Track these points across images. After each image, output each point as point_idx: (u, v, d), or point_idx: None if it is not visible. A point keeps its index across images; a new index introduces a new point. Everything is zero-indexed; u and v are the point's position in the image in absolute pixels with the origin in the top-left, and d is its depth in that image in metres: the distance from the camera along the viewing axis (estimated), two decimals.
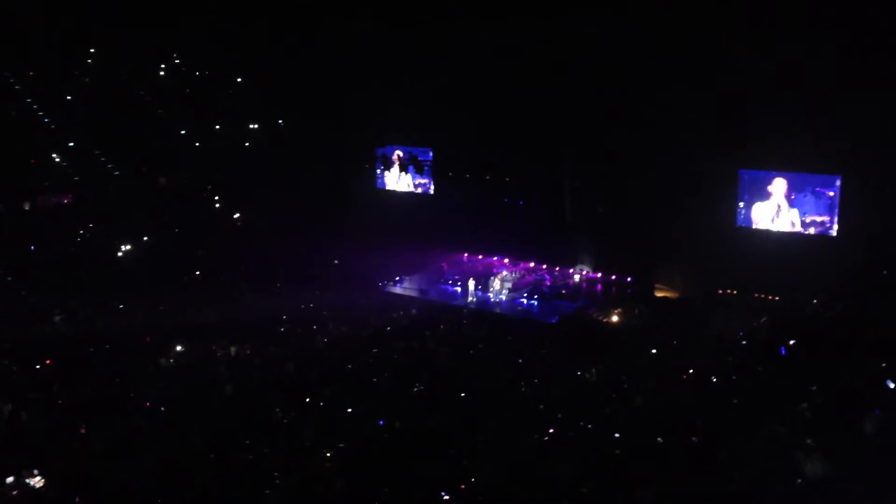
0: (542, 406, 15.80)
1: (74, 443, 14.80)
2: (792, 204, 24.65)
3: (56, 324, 23.01)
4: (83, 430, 15.34)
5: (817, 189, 24.23)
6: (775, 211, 24.91)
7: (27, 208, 29.40)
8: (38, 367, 19.52)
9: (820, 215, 24.24)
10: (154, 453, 13.82)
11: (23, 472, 13.17)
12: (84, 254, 28.02)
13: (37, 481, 13.15)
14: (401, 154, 31.35)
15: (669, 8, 23.59)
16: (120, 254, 28.24)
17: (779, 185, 24.79)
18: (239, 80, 34.37)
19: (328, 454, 13.53)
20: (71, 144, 31.04)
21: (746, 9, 22.58)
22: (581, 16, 24.56)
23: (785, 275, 23.45)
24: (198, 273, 28.44)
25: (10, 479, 13.06)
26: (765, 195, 25.05)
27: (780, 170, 24.71)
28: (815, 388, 14.30)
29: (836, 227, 23.99)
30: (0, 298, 24.27)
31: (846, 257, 21.85)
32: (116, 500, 12.45)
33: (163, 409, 16.65)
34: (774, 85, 22.54)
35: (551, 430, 14.30)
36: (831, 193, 23.98)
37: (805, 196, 24.50)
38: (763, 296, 24.54)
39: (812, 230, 24.39)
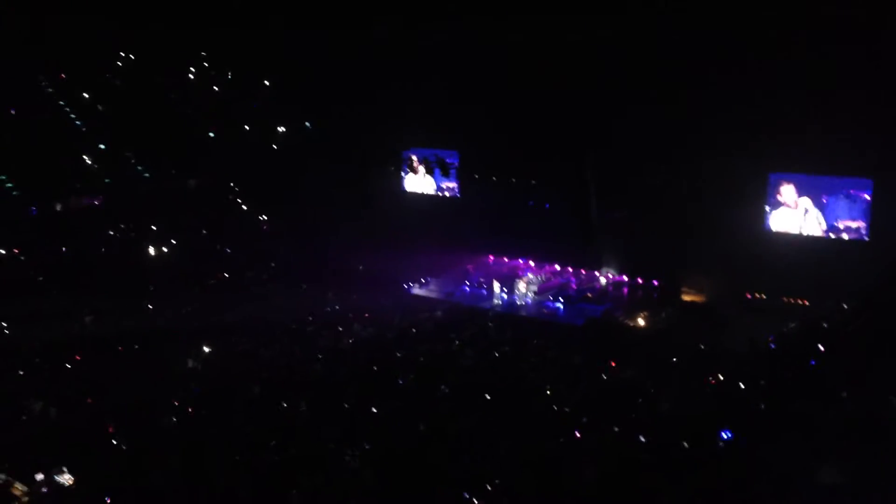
0: (567, 409, 15.74)
1: (103, 441, 14.97)
2: (824, 208, 24.30)
3: (86, 323, 23.31)
4: (111, 429, 15.50)
5: (851, 192, 23.83)
6: (802, 215, 24.62)
7: (59, 209, 29.81)
8: (67, 365, 19.79)
9: (854, 220, 23.83)
10: (181, 453, 13.94)
11: (52, 470, 13.34)
12: (114, 255, 28.34)
13: (66, 479, 13.31)
14: (417, 157, 31.61)
15: (697, 8, 23.39)
16: (149, 255, 28.53)
17: (795, 190, 24.54)
18: (266, 82, 34.61)
19: (353, 455, 13.57)
20: (101, 147, 31.43)
21: (776, 9, 22.33)
22: (608, 16, 24.45)
23: (815, 279, 23.14)
24: (226, 274, 28.65)
25: (39, 477, 13.23)
26: (792, 199, 24.78)
27: (811, 173, 24.40)
28: (844, 394, 14.11)
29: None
30: (32, 298, 24.59)
31: (878, 262, 21.51)
32: (144, 498, 12.57)
33: (190, 409, 16.79)
34: (805, 87, 22.26)
35: (576, 434, 14.23)
36: (867, 197, 23.57)
37: (838, 200, 24.12)
38: (792, 300, 24.25)
39: (845, 235, 24.02)
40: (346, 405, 16.40)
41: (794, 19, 22.01)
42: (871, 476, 10.65)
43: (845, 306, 21.20)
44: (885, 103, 20.97)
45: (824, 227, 24.26)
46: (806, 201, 24.55)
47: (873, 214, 23.42)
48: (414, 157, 32.16)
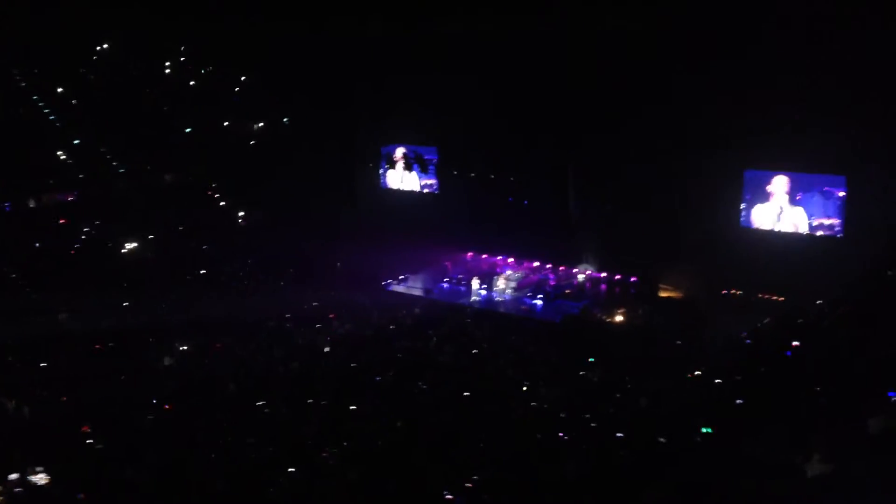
0: (545, 406, 15.78)
1: (78, 440, 14.82)
2: (798, 205, 24.55)
3: (60, 321, 23.05)
4: (87, 428, 15.35)
5: (826, 189, 24.10)
6: (777, 212, 24.86)
7: (32, 206, 29.46)
8: (42, 363, 19.57)
9: (829, 217, 24.11)
10: (158, 451, 13.83)
11: (27, 469, 13.19)
12: (89, 251, 28.04)
13: (40, 478, 13.17)
14: (401, 152, 31.51)
15: (673, 7, 23.53)
16: (124, 251, 28.26)
17: (781, 186, 24.75)
18: (244, 77, 34.37)
19: (331, 452, 13.52)
20: (76, 142, 31.10)
21: (752, 7, 22.50)
22: (584, 16, 24.54)
23: (790, 276, 23.36)
24: (202, 271, 28.45)
25: (13, 476, 13.08)
26: (766, 196, 25.01)
27: (785, 170, 24.66)
28: (819, 389, 14.24)
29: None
30: (5, 295, 24.28)
31: (852, 258, 21.74)
32: (120, 497, 12.46)
33: (166, 406, 16.67)
34: (780, 84, 22.45)
35: (555, 430, 14.27)
36: (841, 194, 23.84)
37: (812, 197, 24.40)
38: (768, 296, 24.47)
39: (820, 232, 24.29)
40: (324, 402, 16.36)
41: (767, 18, 22.18)
42: (847, 468, 10.75)
43: (820, 302, 21.42)
44: (859, 99, 21.19)
45: (804, 225, 24.49)
46: (782, 198, 24.81)
47: (847, 211, 23.69)
48: (398, 151, 32.11)
